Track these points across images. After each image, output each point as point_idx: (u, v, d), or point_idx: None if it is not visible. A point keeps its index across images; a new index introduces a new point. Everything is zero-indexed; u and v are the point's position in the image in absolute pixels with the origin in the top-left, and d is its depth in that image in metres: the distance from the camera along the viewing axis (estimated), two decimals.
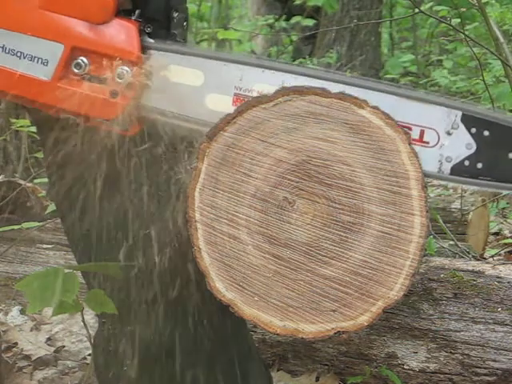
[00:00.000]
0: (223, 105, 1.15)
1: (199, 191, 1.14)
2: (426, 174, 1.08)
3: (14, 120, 3.16)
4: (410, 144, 1.07)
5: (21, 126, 2.95)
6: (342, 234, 1.09)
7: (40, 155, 3.00)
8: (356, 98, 1.09)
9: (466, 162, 1.08)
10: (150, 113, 1.19)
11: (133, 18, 1.18)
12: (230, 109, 1.14)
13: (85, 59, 1.18)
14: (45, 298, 1.51)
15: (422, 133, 1.09)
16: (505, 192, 1.09)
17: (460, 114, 1.07)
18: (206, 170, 1.14)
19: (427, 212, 1.08)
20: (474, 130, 1.07)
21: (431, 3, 5.76)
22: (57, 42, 1.18)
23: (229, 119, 1.13)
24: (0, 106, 3.84)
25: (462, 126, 1.07)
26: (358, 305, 1.10)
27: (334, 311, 1.10)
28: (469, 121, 1.07)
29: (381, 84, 1.12)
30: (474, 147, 1.07)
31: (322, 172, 1.09)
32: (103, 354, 1.48)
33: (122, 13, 1.17)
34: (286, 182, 1.11)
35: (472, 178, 1.09)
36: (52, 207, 2.40)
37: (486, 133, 1.07)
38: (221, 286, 1.14)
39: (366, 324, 1.10)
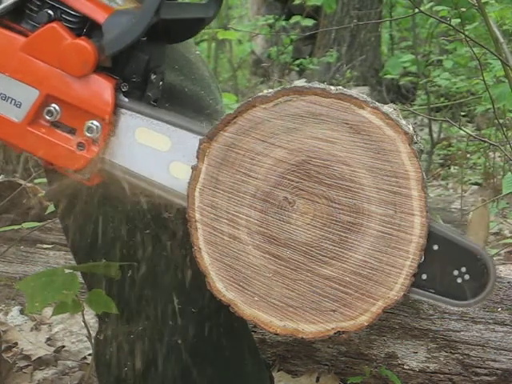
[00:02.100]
0: (186, 174, 1.16)
1: (199, 191, 1.14)
2: None
3: None
4: (410, 144, 1.07)
5: None
6: (342, 234, 1.09)
7: None
8: (356, 97, 1.09)
9: None
10: (113, 168, 1.20)
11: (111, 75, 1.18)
12: None
13: (57, 107, 1.19)
14: (44, 298, 1.52)
15: None
16: (440, 304, 1.12)
17: None
18: (206, 169, 1.14)
19: (427, 212, 1.08)
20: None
21: (431, 3, 5.76)
22: (33, 87, 1.19)
23: (229, 119, 1.13)
24: None
25: None
26: (357, 305, 1.09)
27: (333, 311, 1.10)
28: None
29: None
30: (422, 258, 1.09)
31: (322, 172, 1.09)
32: (104, 354, 1.48)
33: (102, 69, 1.18)
34: (285, 182, 1.11)
35: (415, 288, 1.10)
36: (52, 207, 2.40)
37: (436, 247, 1.09)
38: (221, 286, 1.14)
39: (366, 324, 1.10)
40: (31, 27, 1.19)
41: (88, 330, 1.77)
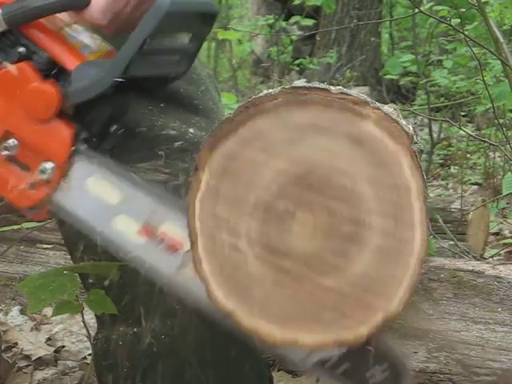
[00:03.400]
0: (129, 228, 1.17)
1: (200, 201, 1.13)
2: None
3: None
4: (411, 156, 1.07)
5: None
6: (343, 245, 1.09)
7: None
8: (359, 109, 1.08)
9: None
10: (59, 210, 1.21)
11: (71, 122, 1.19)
12: (135, 235, 1.17)
13: (16, 143, 1.19)
14: (45, 298, 1.51)
15: None
16: None
17: None
18: (206, 179, 1.13)
19: (428, 224, 1.07)
20: None
21: (431, 3, 5.76)
22: None
23: (230, 129, 1.12)
24: None
25: None
26: (357, 316, 1.09)
27: (333, 322, 1.10)
28: None
29: None
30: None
31: (323, 184, 1.08)
32: (103, 354, 1.48)
33: (63, 114, 1.18)
34: (287, 192, 1.10)
35: (334, 379, 1.14)
36: None
37: None
38: (220, 296, 1.13)
39: (365, 334, 1.09)
40: (2, 61, 1.19)
41: (87, 330, 1.77)
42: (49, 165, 1.18)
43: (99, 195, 1.18)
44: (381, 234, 1.07)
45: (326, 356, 1.14)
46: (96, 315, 1.53)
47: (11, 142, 1.20)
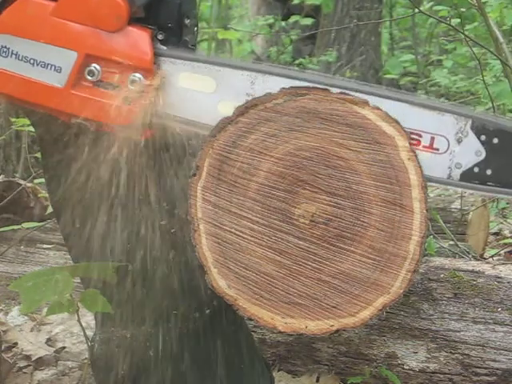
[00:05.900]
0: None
1: (201, 190, 1.15)
2: (435, 181, 1.10)
3: (13, 120, 3.16)
4: (410, 144, 1.08)
5: (21, 126, 2.96)
6: (343, 231, 1.10)
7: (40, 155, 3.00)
8: (357, 98, 1.09)
9: (476, 169, 1.08)
10: (162, 119, 1.20)
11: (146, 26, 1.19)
12: None
13: (98, 66, 1.19)
14: (39, 298, 1.50)
15: (432, 140, 1.10)
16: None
17: (470, 121, 1.08)
18: (207, 169, 1.15)
19: (427, 211, 1.09)
20: (483, 138, 1.08)
21: (431, 3, 5.76)
22: (70, 50, 1.19)
23: (231, 119, 1.13)
24: (0, 106, 3.84)
25: (471, 133, 1.08)
26: (358, 301, 1.10)
27: (335, 307, 1.11)
28: (478, 128, 1.07)
29: (390, 91, 1.14)
30: (484, 154, 1.07)
31: (322, 172, 1.10)
32: (100, 356, 1.48)
33: (135, 20, 1.18)
34: (286, 181, 1.11)
35: (481, 185, 1.09)
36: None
37: (496, 140, 1.08)
38: (223, 284, 1.14)
39: (368, 318, 1.10)
40: None
41: (83, 331, 1.76)
42: (137, 75, 1.18)
43: (195, 88, 1.18)
44: (380, 222, 1.09)
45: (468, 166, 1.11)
46: (95, 317, 1.53)
47: (94, 66, 1.19)
